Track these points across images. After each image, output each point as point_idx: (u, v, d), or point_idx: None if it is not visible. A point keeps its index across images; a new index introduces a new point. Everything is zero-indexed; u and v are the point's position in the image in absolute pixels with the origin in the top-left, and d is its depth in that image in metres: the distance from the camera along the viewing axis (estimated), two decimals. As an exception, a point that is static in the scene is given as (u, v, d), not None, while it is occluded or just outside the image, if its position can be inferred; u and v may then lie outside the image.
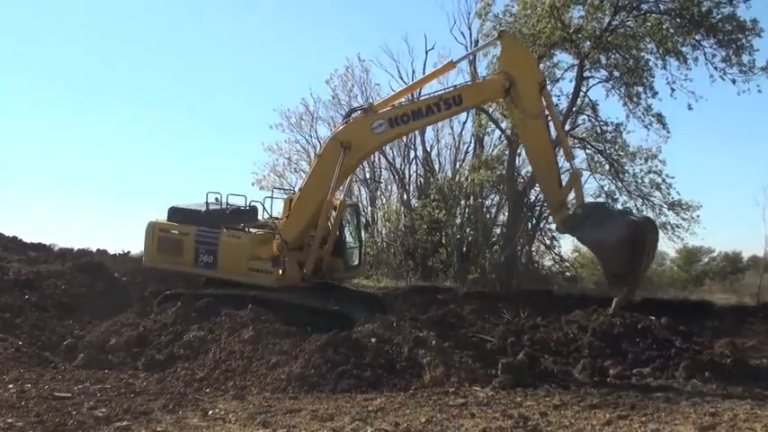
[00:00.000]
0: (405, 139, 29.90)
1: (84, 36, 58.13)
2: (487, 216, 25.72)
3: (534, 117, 12.15)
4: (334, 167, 12.75)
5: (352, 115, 13.55)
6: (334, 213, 13.75)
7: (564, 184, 12.56)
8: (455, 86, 13.03)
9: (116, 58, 57.26)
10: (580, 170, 14.26)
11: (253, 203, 14.19)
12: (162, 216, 14.00)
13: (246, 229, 13.51)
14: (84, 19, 57.68)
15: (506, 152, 24.07)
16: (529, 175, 23.43)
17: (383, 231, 28.21)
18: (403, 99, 13.60)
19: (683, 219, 22.35)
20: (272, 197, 13.81)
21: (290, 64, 52.43)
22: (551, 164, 12.53)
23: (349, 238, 14.68)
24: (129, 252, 19.23)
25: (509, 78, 12.08)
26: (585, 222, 11.69)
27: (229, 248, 13.11)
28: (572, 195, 12.54)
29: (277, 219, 13.41)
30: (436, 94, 12.79)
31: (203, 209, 13.71)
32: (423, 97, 13.25)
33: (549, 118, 12.92)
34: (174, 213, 13.84)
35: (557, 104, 22.48)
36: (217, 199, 13.82)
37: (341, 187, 14.08)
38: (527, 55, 13.97)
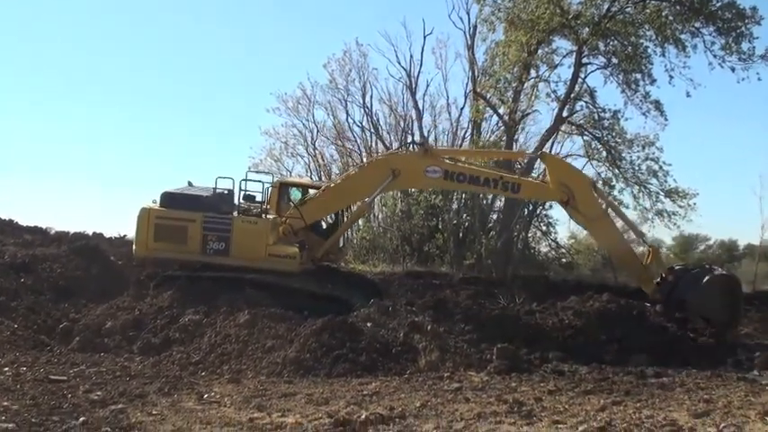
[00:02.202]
0: (402, 123, 29.94)
1: (84, 36, 58.08)
2: (484, 202, 25.70)
3: (599, 218, 13.21)
4: (374, 182, 13.47)
5: (409, 146, 15.02)
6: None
7: (646, 260, 13.51)
8: (519, 176, 14.66)
9: (116, 58, 57.13)
10: (656, 245, 16.23)
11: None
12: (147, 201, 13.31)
13: (265, 214, 13.28)
14: (84, 19, 57.58)
15: (504, 138, 24.02)
16: (526, 161, 23.45)
17: (380, 216, 28.18)
18: (463, 157, 14.95)
19: (680, 206, 22.41)
20: (246, 179, 13.68)
21: (291, 64, 52.66)
22: (629, 252, 13.88)
23: None
24: (125, 236, 19.12)
25: (567, 192, 12.96)
26: (678, 286, 12.57)
27: (244, 234, 12.87)
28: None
29: (257, 203, 13.43)
30: (498, 171, 13.98)
31: (205, 194, 13.28)
32: (485, 168, 14.31)
33: (610, 210, 13.98)
34: (171, 199, 13.11)
35: (555, 90, 22.58)
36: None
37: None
38: (570, 166, 15.39)
